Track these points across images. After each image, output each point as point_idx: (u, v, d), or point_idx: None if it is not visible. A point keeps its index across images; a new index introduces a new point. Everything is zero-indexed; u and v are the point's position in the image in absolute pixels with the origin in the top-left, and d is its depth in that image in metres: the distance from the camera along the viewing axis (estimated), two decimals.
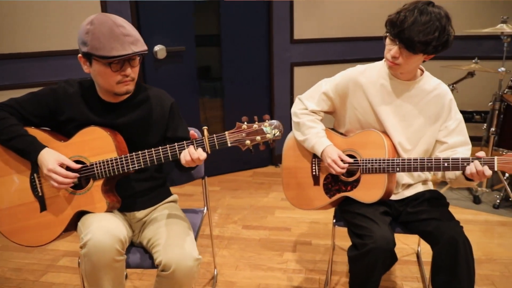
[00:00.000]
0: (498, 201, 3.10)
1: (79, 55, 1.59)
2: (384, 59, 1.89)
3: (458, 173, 1.72)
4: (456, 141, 1.82)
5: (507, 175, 3.10)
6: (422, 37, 1.60)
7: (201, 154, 1.50)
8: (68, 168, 1.60)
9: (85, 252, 1.48)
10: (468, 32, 3.06)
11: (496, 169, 1.58)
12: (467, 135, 1.84)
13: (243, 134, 1.49)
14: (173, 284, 1.55)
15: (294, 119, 2.00)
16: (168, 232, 1.65)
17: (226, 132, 1.50)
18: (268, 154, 4.09)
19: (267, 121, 1.49)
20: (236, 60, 3.70)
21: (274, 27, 3.75)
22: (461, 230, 1.66)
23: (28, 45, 3.06)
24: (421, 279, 2.31)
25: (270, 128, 1.48)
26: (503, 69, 2.98)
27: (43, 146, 1.61)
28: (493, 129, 3.12)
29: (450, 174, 1.77)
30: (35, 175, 1.66)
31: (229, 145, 1.51)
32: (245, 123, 1.50)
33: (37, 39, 3.07)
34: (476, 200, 3.16)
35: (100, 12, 1.57)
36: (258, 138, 1.49)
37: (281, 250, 2.64)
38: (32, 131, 1.66)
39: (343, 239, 2.65)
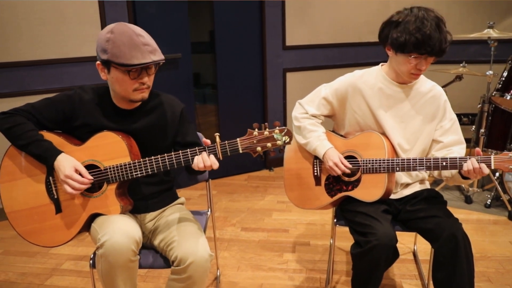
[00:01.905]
0: (489, 200, 3.20)
1: (97, 62, 1.63)
2: (380, 64, 1.97)
3: (454, 171, 1.79)
4: (451, 140, 1.90)
5: (497, 174, 3.20)
6: (446, 43, 1.71)
7: (214, 163, 1.54)
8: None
9: (102, 253, 1.51)
10: (456, 37, 3.16)
11: (493, 167, 1.66)
12: (461, 134, 1.93)
13: (254, 141, 1.53)
14: (186, 279, 1.58)
15: (295, 123, 2.06)
16: (182, 231, 1.70)
17: (238, 139, 1.54)
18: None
19: (277, 127, 1.53)
20: (230, 66, 3.76)
21: (267, 34, 3.83)
22: (460, 227, 1.73)
23: (25, 54, 3.09)
24: (419, 277, 2.38)
25: (280, 135, 1.52)
26: (490, 72, 3.08)
27: (59, 152, 1.65)
28: (482, 130, 3.22)
29: (447, 173, 1.84)
30: (50, 178, 1.69)
31: (241, 151, 1.54)
32: (256, 129, 1.53)
33: (35, 47, 3.10)
34: (468, 200, 3.26)
35: (119, 22, 1.61)
36: (269, 144, 1.53)
37: (280, 251, 2.69)
38: (47, 135, 1.69)
39: (340, 239, 2.73)
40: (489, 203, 3.20)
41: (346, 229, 1.95)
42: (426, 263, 2.47)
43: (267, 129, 1.54)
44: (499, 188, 3.13)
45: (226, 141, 1.55)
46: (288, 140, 1.53)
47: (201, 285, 1.63)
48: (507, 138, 3.44)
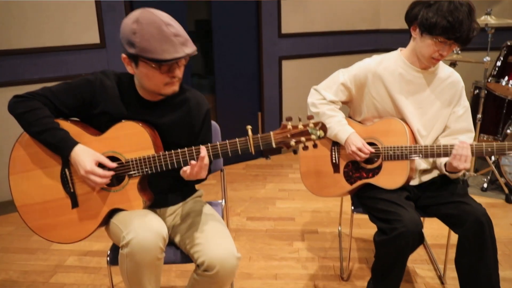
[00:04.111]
0: (485, 184, 3.28)
1: (123, 55, 1.51)
2: (399, 49, 1.96)
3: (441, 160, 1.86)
4: (460, 128, 1.92)
5: (493, 158, 3.27)
6: (473, 33, 1.72)
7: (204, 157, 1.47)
8: (101, 166, 1.55)
9: (128, 252, 1.43)
10: None
11: None
12: (472, 123, 1.95)
13: (288, 135, 1.46)
14: (214, 283, 1.53)
15: (312, 109, 2.03)
16: (206, 230, 1.62)
17: (271, 132, 1.46)
18: None
19: (311, 121, 1.46)
20: (227, 55, 3.72)
21: (263, 22, 3.79)
22: (485, 212, 1.74)
23: (23, 41, 2.96)
24: (430, 261, 2.42)
25: (315, 129, 1.45)
26: (488, 58, 3.12)
27: (75, 143, 1.54)
28: (479, 116, 3.27)
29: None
30: (66, 170, 1.59)
31: (274, 146, 1.47)
32: (290, 123, 1.46)
33: (32, 35, 2.97)
34: (464, 184, 3.33)
35: (143, 8, 1.47)
36: (303, 139, 1.45)
37: (289, 239, 2.68)
38: (64, 123, 1.59)
39: (347, 226, 2.73)
40: (485, 186, 3.28)
41: (354, 216, 1.93)
42: (435, 248, 2.52)
43: (301, 123, 1.47)
44: (496, 172, 3.20)
45: (259, 135, 1.47)
46: (323, 135, 1.46)
47: (228, 284, 1.59)
48: (499, 123, 3.53)
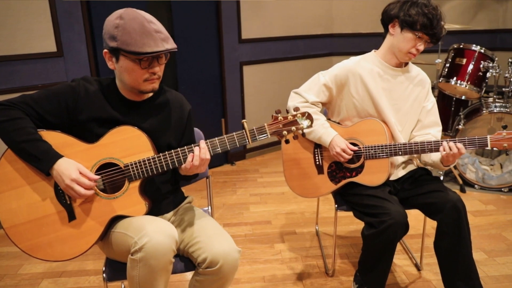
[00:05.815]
0: (441, 176, 3.51)
1: (105, 50, 1.52)
2: (373, 51, 2.09)
3: (436, 159, 1.98)
4: (429, 122, 2.09)
5: None
6: (444, 32, 1.92)
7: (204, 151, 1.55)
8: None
9: (142, 256, 1.41)
10: None
11: (489, 147, 1.84)
12: (439, 117, 2.11)
13: (280, 125, 1.58)
14: (218, 280, 1.56)
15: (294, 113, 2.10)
16: (204, 229, 1.65)
17: (265, 124, 1.58)
18: (223, 153, 4.13)
19: (298, 112, 1.59)
20: (189, 61, 3.71)
21: (224, 28, 3.82)
22: (459, 198, 1.89)
23: None
24: (404, 251, 2.56)
25: (302, 119, 1.59)
26: (439, 60, 3.37)
27: (60, 155, 1.51)
28: None
29: (434, 158, 2.01)
30: None
31: (269, 136, 1.58)
32: (280, 115, 1.58)
33: None
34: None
35: (127, 8, 1.50)
36: (293, 128, 1.58)
37: (270, 242, 2.73)
38: (57, 134, 1.55)
39: (326, 225, 2.84)
40: (441, 178, 3.51)
41: (328, 214, 2.00)
42: (407, 238, 2.67)
43: (290, 114, 1.60)
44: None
45: (254, 127, 1.57)
46: (310, 123, 1.60)
47: (231, 280, 1.63)
48: (449, 120, 3.80)
